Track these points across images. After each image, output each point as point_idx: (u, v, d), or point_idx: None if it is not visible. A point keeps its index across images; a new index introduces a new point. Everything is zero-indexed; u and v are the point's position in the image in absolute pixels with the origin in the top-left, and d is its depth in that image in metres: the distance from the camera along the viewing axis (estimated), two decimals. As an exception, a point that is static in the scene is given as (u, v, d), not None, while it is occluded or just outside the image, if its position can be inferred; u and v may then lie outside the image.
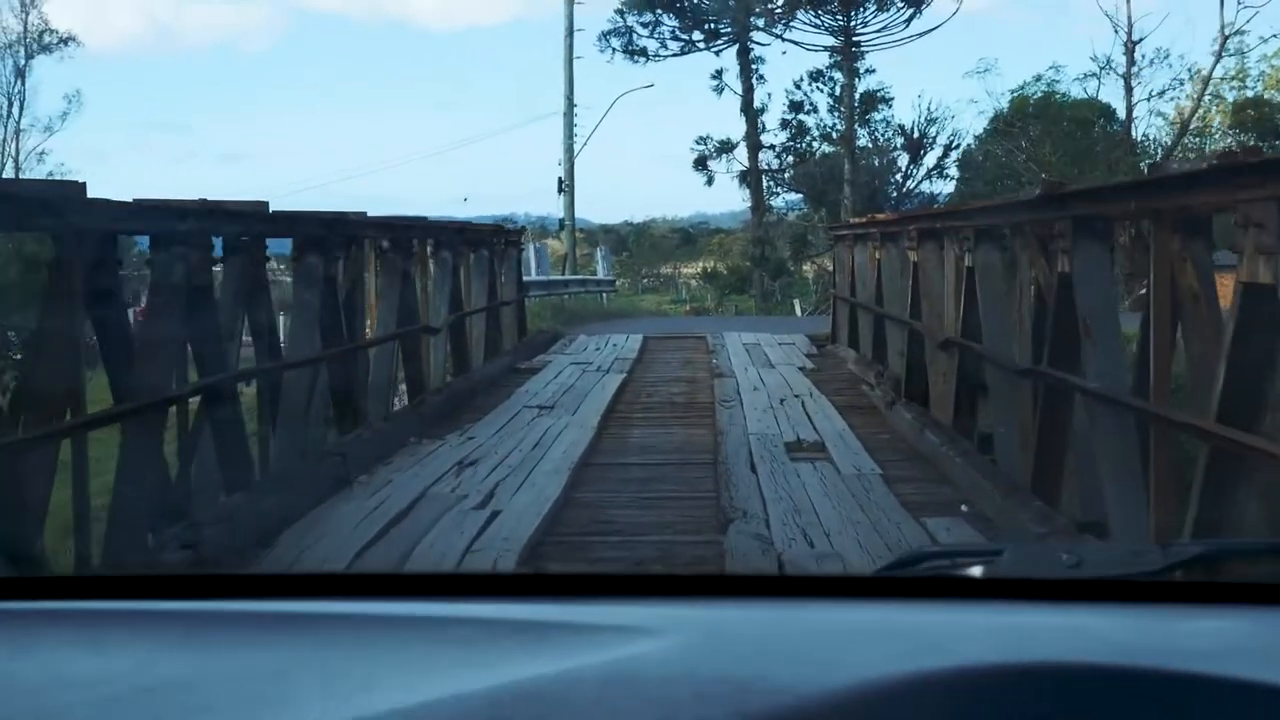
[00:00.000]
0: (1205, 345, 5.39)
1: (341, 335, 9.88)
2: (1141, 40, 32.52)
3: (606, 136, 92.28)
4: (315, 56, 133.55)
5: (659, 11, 37.38)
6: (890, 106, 36.66)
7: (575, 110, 38.50)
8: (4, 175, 36.98)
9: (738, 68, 37.02)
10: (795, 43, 36.49)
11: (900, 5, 35.62)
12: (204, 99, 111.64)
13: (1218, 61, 32.43)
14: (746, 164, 37.23)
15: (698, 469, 8.67)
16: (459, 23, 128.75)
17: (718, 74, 37.20)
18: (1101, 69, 32.81)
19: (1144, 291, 6.73)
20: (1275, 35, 35.87)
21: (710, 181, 37.81)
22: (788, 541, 6.46)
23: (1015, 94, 34.64)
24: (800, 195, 38.54)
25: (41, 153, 39.12)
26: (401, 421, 10.28)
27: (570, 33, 38.22)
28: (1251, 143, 28.59)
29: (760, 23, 36.76)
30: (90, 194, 5.87)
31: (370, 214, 12.12)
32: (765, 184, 37.71)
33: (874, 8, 35.82)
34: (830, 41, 36.22)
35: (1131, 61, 32.51)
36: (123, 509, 6.20)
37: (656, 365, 15.59)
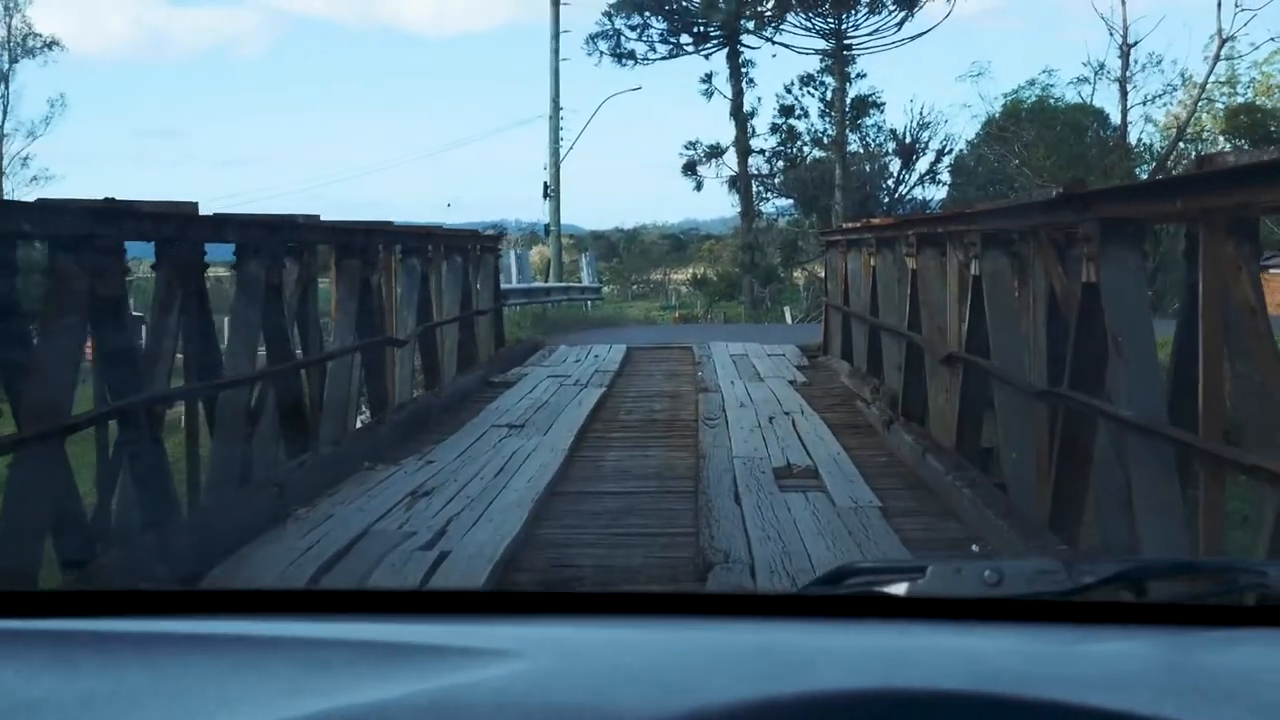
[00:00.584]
0: (1266, 366, 4.57)
1: (289, 349, 9.04)
2: (1137, 44, 31.98)
3: (597, 142, 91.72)
4: (309, 63, 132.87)
5: (647, 14, 36.69)
6: (882, 111, 36.20)
7: (561, 114, 37.73)
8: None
9: (727, 71, 36.37)
10: (786, 45, 35.90)
11: (892, 8, 34.99)
12: (199, 104, 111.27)
13: (1214, 66, 31.92)
14: (736, 169, 36.57)
15: (677, 499, 7.82)
16: (451, 29, 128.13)
17: (707, 77, 36.59)
18: (1096, 73, 32.29)
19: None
20: (1272, 39, 35.18)
21: (699, 187, 37.29)
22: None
23: (1009, 98, 34.25)
24: (791, 201, 38.00)
25: (25, 157, 38.56)
26: (355, 444, 9.43)
27: (556, 35, 37.45)
28: (1245, 148, 28.03)
29: (750, 25, 36.12)
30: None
31: (365, 220, 11.48)
32: (755, 189, 37.10)
33: (865, 10, 35.21)
34: (821, 44, 35.62)
35: (1127, 65, 31.95)
36: (10, 549, 5.40)
37: (638, 378, 14.74)
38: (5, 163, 38.43)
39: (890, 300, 11.88)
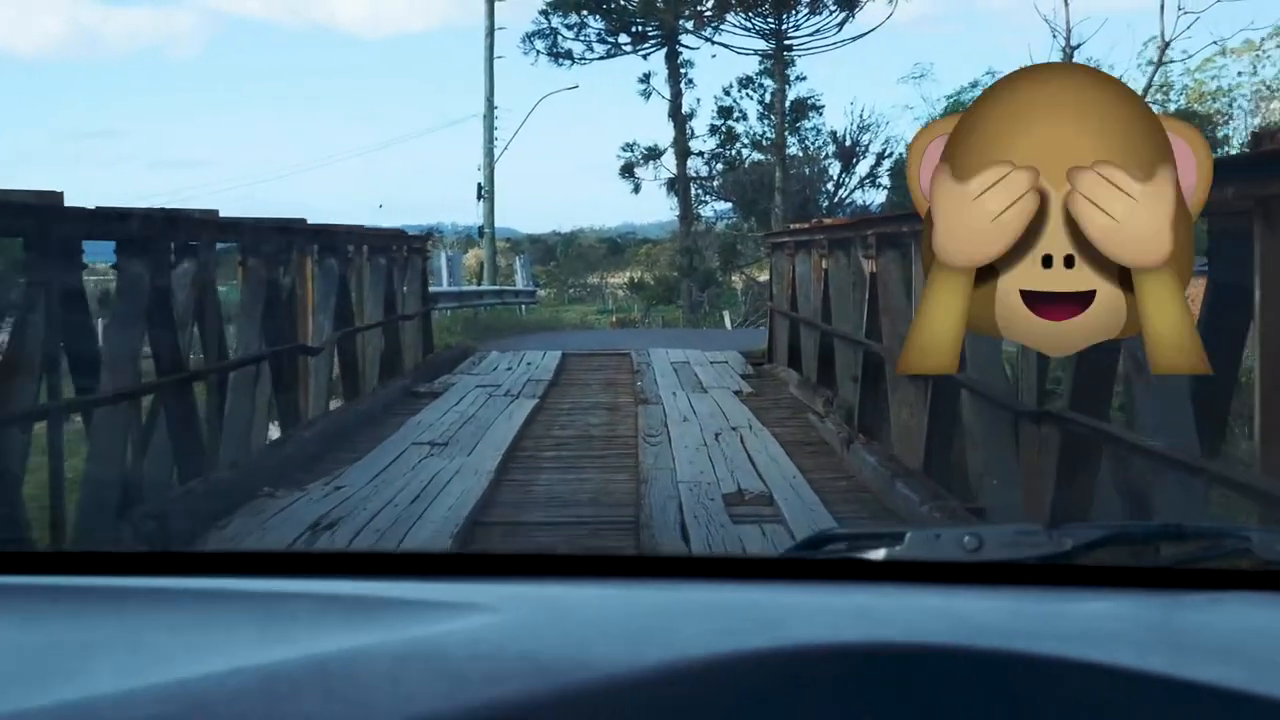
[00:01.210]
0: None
1: (179, 359, 8.04)
2: (1080, 46, 31.60)
3: (534, 144, 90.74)
4: (244, 63, 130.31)
5: (584, 13, 35.84)
6: (821, 114, 35.59)
7: (496, 113, 36.72)
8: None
9: (666, 72, 35.62)
10: (726, 46, 35.16)
11: (833, 8, 34.42)
12: (134, 104, 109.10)
13: (1156, 70, 31.64)
14: (675, 171, 35.80)
15: (615, 533, 6.92)
16: (387, 29, 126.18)
17: (645, 78, 35.74)
18: (1040, 75, 31.94)
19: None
20: (1214, 42, 35.06)
21: (637, 189, 36.39)
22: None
23: (951, 100, 33.72)
24: (730, 204, 37.35)
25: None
26: (256, 466, 8.43)
27: (490, 31, 36.46)
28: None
29: (689, 25, 35.38)
30: None
31: (275, 218, 10.58)
32: (694, 192, 36.36)
33: (806, 11, 34.62)
34: (761, 45, 34.98)
35: (1071, 67, 31.66)
36: None
37: (574, 388, 13.79)
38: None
39: (845, 306, 11.07)
